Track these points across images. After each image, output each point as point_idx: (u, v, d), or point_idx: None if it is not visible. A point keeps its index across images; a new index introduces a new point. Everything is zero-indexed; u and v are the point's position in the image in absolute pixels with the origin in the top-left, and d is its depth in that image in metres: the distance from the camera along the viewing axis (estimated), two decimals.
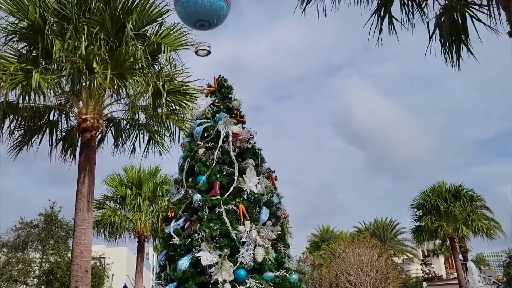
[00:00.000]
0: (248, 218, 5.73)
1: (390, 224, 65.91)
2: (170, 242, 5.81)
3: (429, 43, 5.96)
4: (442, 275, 61.93)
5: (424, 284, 56.29)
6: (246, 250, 5.45)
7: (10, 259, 27.53)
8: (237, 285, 5.20)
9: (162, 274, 5.88)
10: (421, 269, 63.36)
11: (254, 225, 5.63)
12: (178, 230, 5.86)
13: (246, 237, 5.52)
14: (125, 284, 23.20)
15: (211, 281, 5.24)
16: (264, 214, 5.85)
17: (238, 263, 5.36)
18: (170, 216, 6.19)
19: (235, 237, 5.52)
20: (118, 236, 20.84)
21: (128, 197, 20.23)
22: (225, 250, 5.40)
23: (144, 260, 21.11)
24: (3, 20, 7.98)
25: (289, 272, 5.65)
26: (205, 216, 5.67)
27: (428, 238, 30.04)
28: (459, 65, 6.09)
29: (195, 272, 5.45)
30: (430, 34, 5.94)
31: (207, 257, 5.35)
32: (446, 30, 5.81)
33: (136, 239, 20.75)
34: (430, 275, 60.58)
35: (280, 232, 6.00)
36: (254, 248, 5.47)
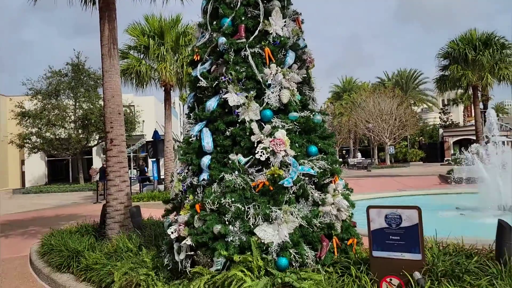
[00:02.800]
0: (274, 61, 5.72)
1: (413, 75, 65.42)
2: (198, 84, 5.95)
3: None
4: (459, 123, 63.46)
5: (441, 130, 58.15)
6: (272, 92, 5.56)
7: (45, 105, 29.23)
8: (263, 123, 5.43)
9: (191, 114, 6.10)
10: (439, 117, 64.79)
11: (279, 68, 5.66)
12: (204, 73, 5.93)
13: (271, 79, 5.59)
14: (155, 129, 24.63)
15: (238, 120, 5.48)
16: (290, 57, 5.82)
17: (264, 104, 5.52)
18: (196, 59, 6.21)
19: (261, 80, 5.59)
20: (144, 85, 21.45)
21: (151, 47, 20.25)
22: (251, 92, 5.53)
23: (171, 108, 22.01)
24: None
25: (313, 113, 5.82)
26: (231, 59, 5.68)
27: (451, 87, 29.76)
28: None
29: (223, 112, 5.67)
30: None
31: (234, 98, 5.52)
32: None
33: (163, 88, 21.37)
34: (448, 123, 62.21)
35: (305, 76, 6.05)
36: (280, 90, 5.57)
